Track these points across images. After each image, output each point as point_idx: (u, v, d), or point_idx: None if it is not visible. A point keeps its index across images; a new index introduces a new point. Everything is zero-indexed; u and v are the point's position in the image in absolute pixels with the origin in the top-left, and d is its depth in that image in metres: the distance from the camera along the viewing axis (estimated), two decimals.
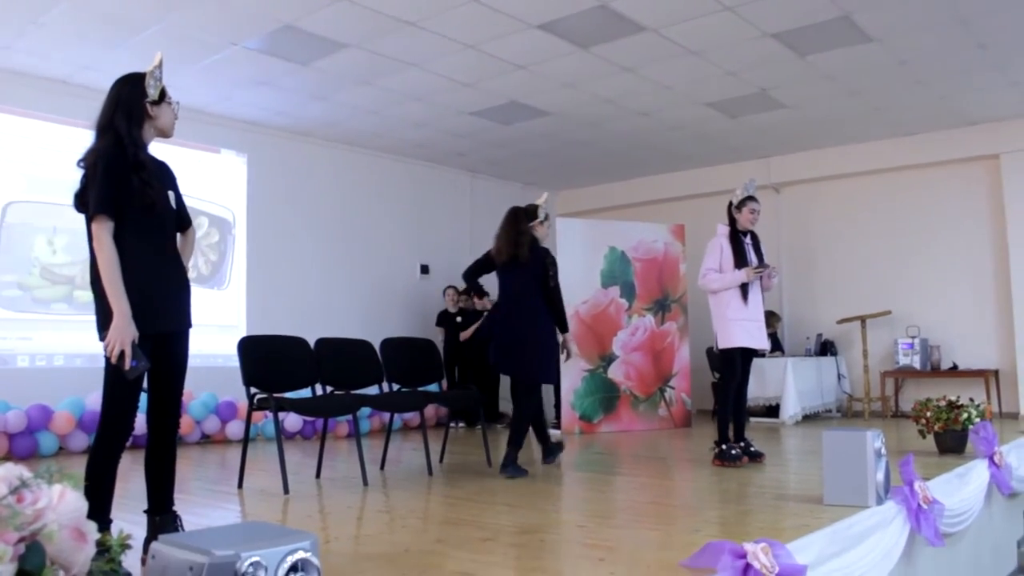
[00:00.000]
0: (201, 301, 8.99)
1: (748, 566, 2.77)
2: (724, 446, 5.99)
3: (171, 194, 3.38)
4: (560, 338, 6.19)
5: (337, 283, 10.45)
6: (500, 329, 6.07)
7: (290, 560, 1.80)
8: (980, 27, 7.12)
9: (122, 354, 2.99)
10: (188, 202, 3.60)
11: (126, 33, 6.99)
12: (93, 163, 3.13)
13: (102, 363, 3.11)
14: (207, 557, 1.72)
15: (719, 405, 6.27)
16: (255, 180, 9.78)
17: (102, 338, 3.06)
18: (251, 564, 1.73)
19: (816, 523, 3.61)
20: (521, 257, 5.91)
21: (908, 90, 8.75)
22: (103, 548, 1.63)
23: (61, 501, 1.55)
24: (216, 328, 9.15)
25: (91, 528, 1.59)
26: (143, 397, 3.27)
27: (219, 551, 1.73)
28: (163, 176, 3.37)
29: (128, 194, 3.12)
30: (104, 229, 3.07)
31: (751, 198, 6.25)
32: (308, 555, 1.83)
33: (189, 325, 3.39)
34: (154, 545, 1.84)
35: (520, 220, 6.03)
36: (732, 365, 6.12)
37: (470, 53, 7.58)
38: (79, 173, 3.20)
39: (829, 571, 3.29)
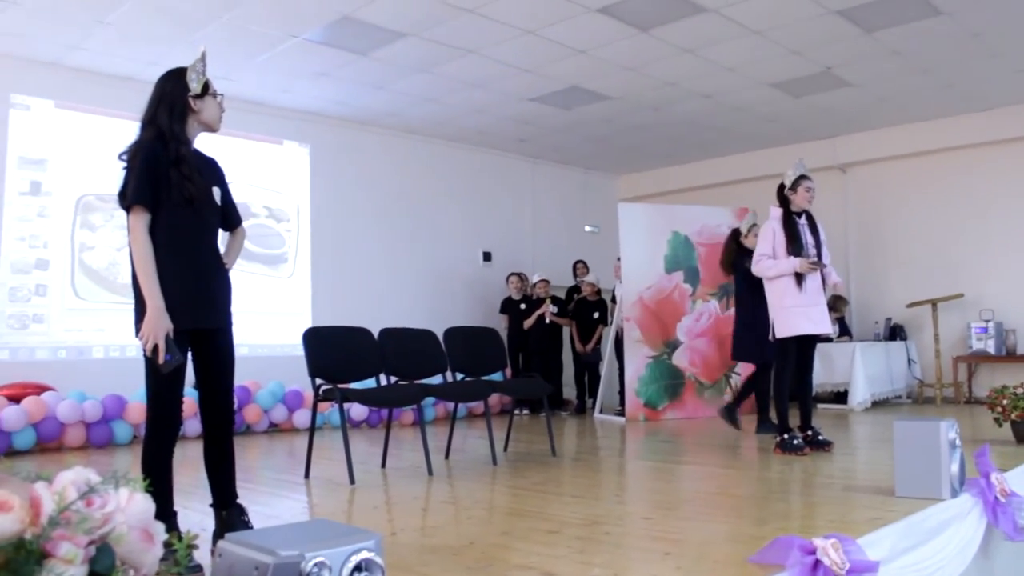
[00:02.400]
0: (267, 291, 9.24)
1: (818, 562, 2.71)
2: (786, 435, 5.90)
3: (217, 190, 3.35)
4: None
5: (400, 271, 10.52)
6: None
7: (354, 560, 1.80)
8: None
9: (156, 348, 2.99)
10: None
11: (188, 29, 7.10)
12: (133, 156, 3.13)
13: None
14: (272, 557, 1.73)
15: (776, 395, 6.12)
16: (318, 170, 9.89)
17: (138, 331, 3.06)
18: (316, 564, 1.74)
19: (888, 516, 3.52)
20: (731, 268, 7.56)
21: (982, 64, 8.47)
22: (171, 548, 1.65)
23: (130, 503, 1.56)
24: (283, 317, 9.29)
25: (159, 529, 1.60)
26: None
27: (284, 551, 1.74)
28: (209, 172, 3.35)
29: (167, 188, 3.11)
30: (140, 221, 3.07)
31: (804, 176, 6.07)
32: (372, 555, 1.83)
33: (229, 322, 3.36)
34: (220, 544, 1.86)
35: (728, 241, 7.65)
36: (785, 354, 5.99)
37: (529, 38, 7.54)
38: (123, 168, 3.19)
39: (902, 567, 3.21)
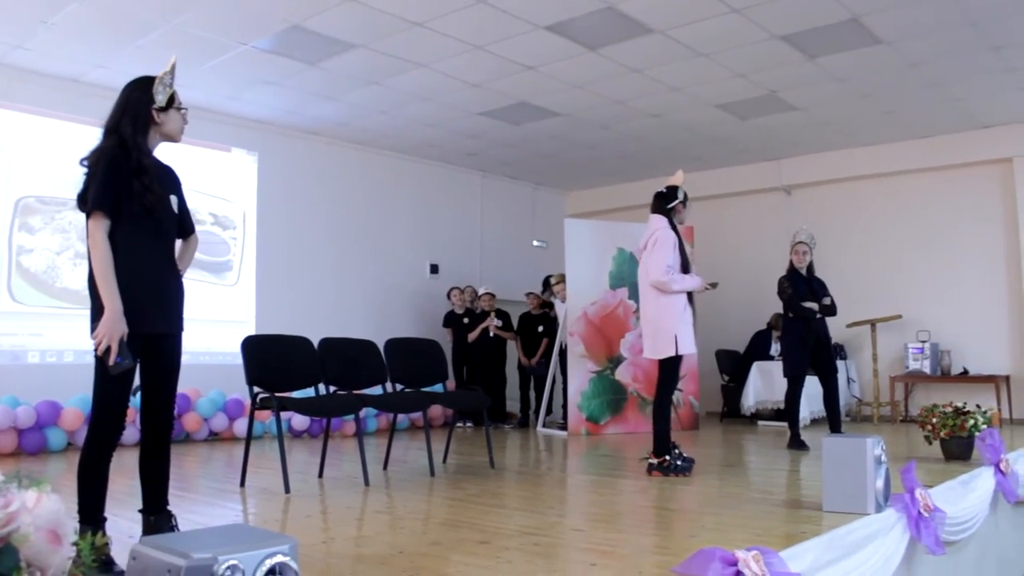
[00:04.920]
0: (211, 298, 9.15)
1: (739, 573, 2.76)
2: (667, 457, 5.67)
3: (174, 199, 3.39)
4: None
5: (347, 282, 10.48)
6: None
7: (268, 563, 1.80)
8: (993, 30, 7.07)
9: (108, 350, 3.01)
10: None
11: (135, 33, 7.03)
12: (95, 161, 3.16)
13: None
14: (185, 560, 1.73)
15: (663, 416, 5.86)
16: (265, 178, 9.83)
17: (93, 332, 3.08)
18: (228, 567, 1.73)
19: (814, 530, 3.60)
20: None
21: (920, 93, 8.70)
22: (95, 548, 1.64)
23: (38, 504, 1.56)
24: (226, 325, 9.20)
25: (68, 531, 1.59)
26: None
27: (197, 554, 1.74)
28: (167, 180, 3.39)
29: (128, 196, 3.14)
30: (99, 226, 3.10)
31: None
32: (287, 559, 1.83)
33: (181, 329, 3.40)
34: (135, 547, 1.85)
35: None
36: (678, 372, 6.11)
37: (478, 54, 7.59)
38: (83, 172, 3.22)
39: None
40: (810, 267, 7.52)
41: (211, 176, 9.31)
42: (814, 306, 7.26)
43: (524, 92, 8.71)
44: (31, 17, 6.78)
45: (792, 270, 7.47)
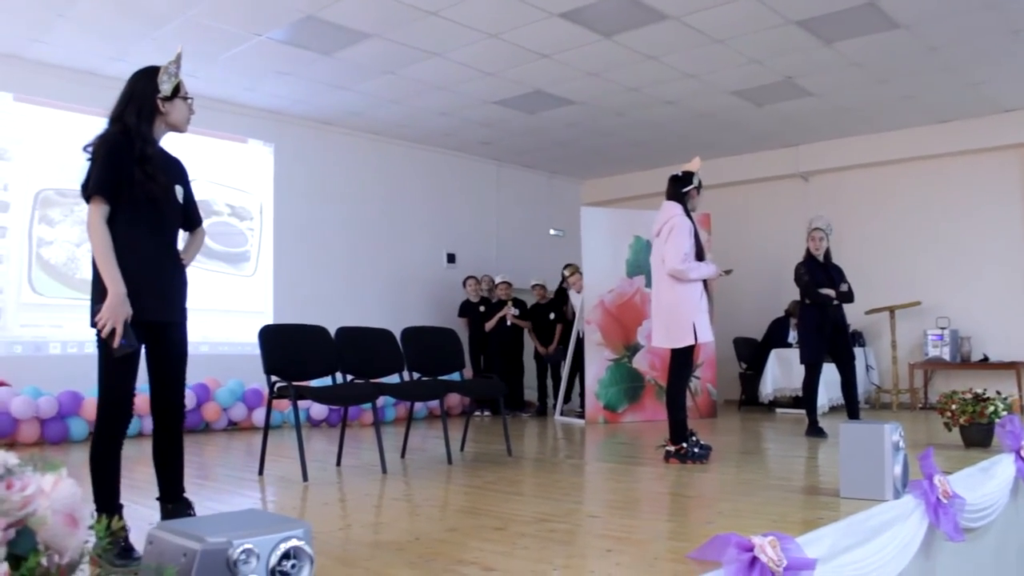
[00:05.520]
0: (229, 288, 9.20)
1: (755, 559, 2.75)
2: (684, 444, 5.67)
3: (179, 189, 3.39)
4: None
5: (363, 271, 10.51)
6: None
7: (283, 547, 1.82)
8: (1011, 12, 6.99)
9: (112, 331, 3.00)
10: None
11: (151, 25, 7.07)
12: (97, 148, 3.16)
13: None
14: (200, 544, 1.74)
15: (677, 404, 5.87)
16: (282, 169, 9.86)
17: (94, 316, 3.06)
18: (243, 551, 1.75)
19: (831, 516, 3.59)
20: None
21: (938, 77, 8.62)
22: (110, 533, 1.66)
23: (55, 488, 1.57)
24: (244, 315, 9.25)
25: (85, 514, 1.61)
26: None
27: (212, 538, 1.75)
28: (172, 171, 3.39)
29: (129, 183, 3.14)
30: (98, 211, 3.09)
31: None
32: (301, 543, 1.85)
33: (183, 317, 3.39)
34: (151, 531, 1.87)
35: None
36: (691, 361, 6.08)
37: (493, 42, 7.57)
38: (87, 159, 3.22)
39: (841, 565, 3.26)
40: (827, 254, 7.47)
41: (228, 167, 9.35)
42: (831, 293, 7.22)
43: (539, 80, 8.69)
44: (48, 10, 6.82)
45: (809, 257, 7.42)
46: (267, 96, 9.14)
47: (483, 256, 11.96)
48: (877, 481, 3.96)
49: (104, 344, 3.06)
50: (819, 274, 7.30)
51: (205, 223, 3.67)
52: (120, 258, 3.09)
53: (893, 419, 5.36)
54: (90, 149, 3.20)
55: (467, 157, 11.89)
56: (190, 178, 3.53)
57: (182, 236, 3.52)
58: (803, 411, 9.55)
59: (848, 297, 7.36)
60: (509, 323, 10.33)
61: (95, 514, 1.73)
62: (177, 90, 3.34)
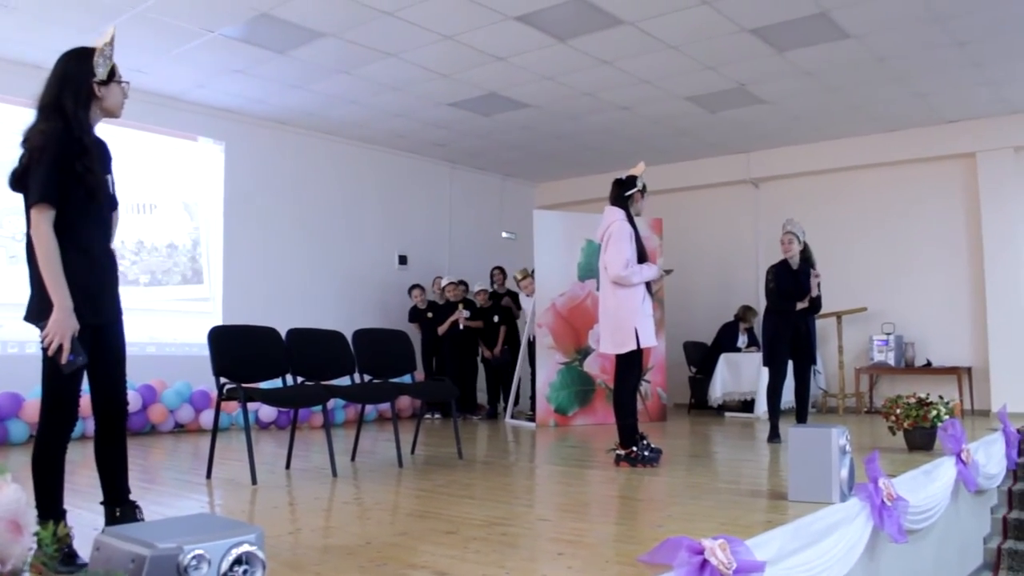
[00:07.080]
0: (177, 288, 9.05)
1: (705, 562, 2.78)
2: (634, 448, 5.69)
3: (109, 178, 3.24)
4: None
5: (315, 273, 10.42)
6: None
7: (235, 553, 1.79)
8: (957, 26, 7.15)
9: (60, 348, 2.90)
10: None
11: (101, 18, 6.91)
12: (41, 146, 2.98)
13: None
14: (149, 550, 1.71)
15: (627, 409, 5.84)
16: (233, 168, 9.73)
17: (35, 322, 2.96)
18: (194, 557, 1.72)
19: (780, 519, 3.63)
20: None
21: (886, 87, 8.79)
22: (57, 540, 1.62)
23: None
24: (192, 316, 9.12)
25: (29, 521, 1.57)
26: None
27: (162, 544, 1.72)
28: (104, 159, 3.23)
29: (73, 181, 3.01)
30: (44, 217, 2.95)
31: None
32: (253, 548, 1.82)
33: (120, 316, 3.28)
34: (98, 537, 1.83)
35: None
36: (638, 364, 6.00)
37: (448, 44, 7.56)
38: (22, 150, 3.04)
39: (790, 567, 3.31)
40: (805, 258, 7.38)
41: (177, 165, 9.18)
42: (798, 304, 7.14)
43: (493, 83, 8.69)
44: None
45: (782, 262, 7.37)
46: (219, 94, 9.01)
47: (435, 258, 11.93)
48: (824, 484, 4.02)
49: (52, 357, 2.94)
50: (786, 281, 7.27)
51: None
52: (68, 262, 2.97)
53: (840, 423, 5.46)
54: (27, 144, 3.03)
55: (421, 159, 11.85)
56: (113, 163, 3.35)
57: None
58: (752, 415, 9.74)
59: (814, 307, 7.26)
60: (462, 327, 10.29)
61: (38, 520, 1.68)
62: (112, 73, 3.20)
